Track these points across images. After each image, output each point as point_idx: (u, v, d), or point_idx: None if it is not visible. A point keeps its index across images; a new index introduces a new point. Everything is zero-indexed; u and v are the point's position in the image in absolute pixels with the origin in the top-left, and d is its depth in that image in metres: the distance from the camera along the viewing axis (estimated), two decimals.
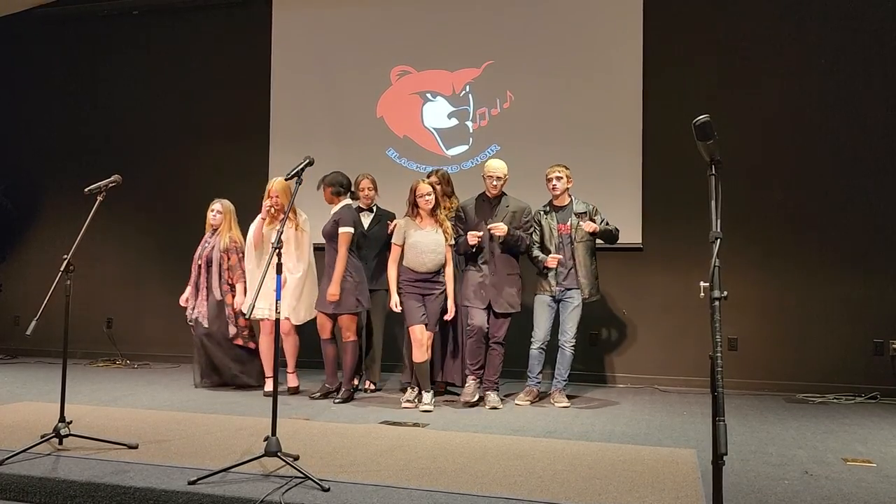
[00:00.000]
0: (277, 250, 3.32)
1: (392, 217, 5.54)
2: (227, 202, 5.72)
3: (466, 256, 5.09)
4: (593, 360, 6.18)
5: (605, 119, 6.23)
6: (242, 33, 7.34)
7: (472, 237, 4.88)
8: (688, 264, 5.90)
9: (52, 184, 7.78)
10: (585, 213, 5.04)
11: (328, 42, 7.00)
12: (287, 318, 5.30)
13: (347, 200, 5.25)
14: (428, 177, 5.32)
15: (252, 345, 5.61)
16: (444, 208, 5.12)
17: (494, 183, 4.94)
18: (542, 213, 5.14)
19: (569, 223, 5.03)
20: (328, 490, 2.89)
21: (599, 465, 3.34)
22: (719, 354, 2.27)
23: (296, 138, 6.99)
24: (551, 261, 4.98)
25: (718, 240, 2.42)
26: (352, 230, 5.03)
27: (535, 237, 5.11)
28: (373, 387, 5.53)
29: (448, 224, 4.96)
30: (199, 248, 5.69)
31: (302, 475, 3.00)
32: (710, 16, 6.13)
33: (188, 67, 7.49)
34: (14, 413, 4.45)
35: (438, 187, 5.04)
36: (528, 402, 5.01)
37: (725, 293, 2.35)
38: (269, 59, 7.17)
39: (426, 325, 4.82)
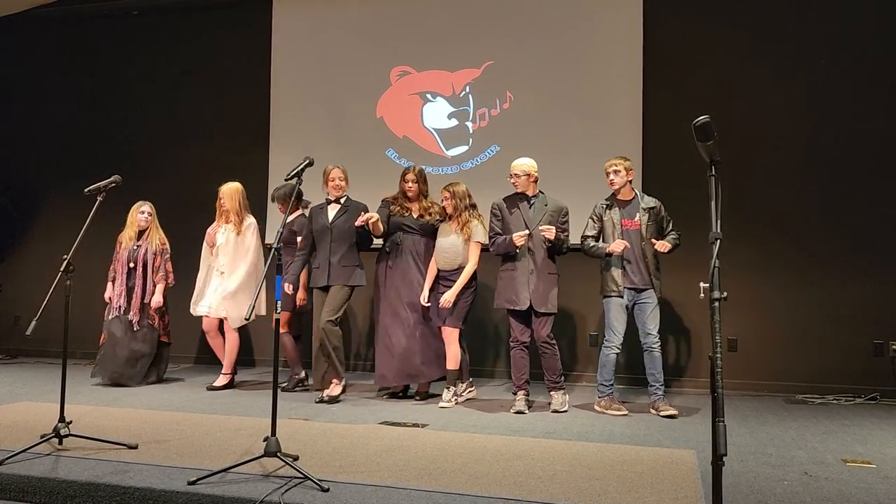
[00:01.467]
0: (277, 251, 3.32)
1: (364, 209, 5.27)
2: (151, 204, 5.95)
3: (503, 256, 4.95)
4: (593, 361, 6.18)
5: (605, 119, 6.23)
6: (242, 33, 7.34)
7: (519, 238, 4.75)
8: (687, 265, 5.89)
9: (52, 184, 7.78)
10: (655, 207, 4.82)
11: (328, 42, 7.00)
12: (224, 318, 5.66)
13: (300, 211, 5.67)
14: (405, 174, 5.30)
15: (166, 339, 5.93)
16: (422, 207, 5.20)
17: (513, 180, 4.90)
18: (603, 206, 4.91)
19: (637, 218, 4.79)
20: (328, 490, 2.89)
21: (599, 466, 3.34)
22: (719, 355, 2.27)
23: (296, 138, 6.99)
24: (616, 245, 4.70)
25: (718, 240, 2.42)
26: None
27: (592, 231, 4.90)
28: (339, 389, 5.08)
29: (472, 225, 5.03)
30: (125, 251, 5.82)
31: (301, 475, 3.00)
32: (710, 16, 6.13)
33: (188, 67, 7.50)
34: (14, 413, 4.45)
35: (443, 193, 5.14)
36: (619, 413, 4.70)
37: (725, 294, 2.35)
38: (269, 58, 7.17)
39: (445, 322, 5.02)
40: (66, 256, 3.62)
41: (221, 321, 5.72)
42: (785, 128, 5.92)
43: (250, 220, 5.78)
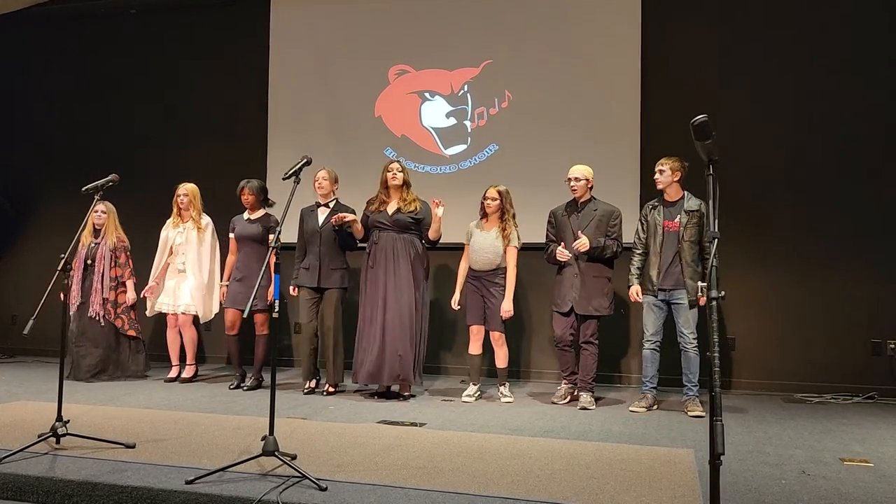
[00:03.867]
0: (275, 250, 3.32)
1: (353, 213, 5.36)
2: (109, 203, 6.07)
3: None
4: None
5: (603, 118, 6.23)
6: (240, 32, 7.33)
7: (562, 255, 4.99)
8: None
9: (50, 182, 7.77)
10: (697, 210, 4.78)
11: (326, 41, 6.99)
12: (190, 314, 5.90)
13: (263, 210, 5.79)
14: (389, 164, 5.28)
15: (133, 333, 6.05)
16: (402, 199, 5.18)
17: (573, 185, 5.01)
18: (650, 207, 4.97)
19: (677, 220, 4.80)
20: (325, 489, 2.89)
21: (597, 465, 3.35)
22: (717, 354, 2.27)
23: (294, 137, 6.98)
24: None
25: (716, 239, 2.42)
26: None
27: (641, 232, 4.97)
28: (332, 389, 5.36)
29: (512, 230, 5.15)
30: (83, 249, 5.97)
31: (299, 474, 3.00)
32: (709, 15, 6.13)
33: (186, 66, 7.48)
34: (11, 412, 4.44)
35: (498, 197, 5.17)
36: (644, 409, 4.81)
37: (723, 293, 2.35)
38: (266, 57, 7.16)
39: (490, 326, 5.15)
40: (63, 256, 3.62)
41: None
42: (783, 127, 5.92)
43: (207, 220, 6.05)
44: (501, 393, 5.20)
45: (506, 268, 5.14)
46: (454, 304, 5.26)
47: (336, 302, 5.34)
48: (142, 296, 6.01)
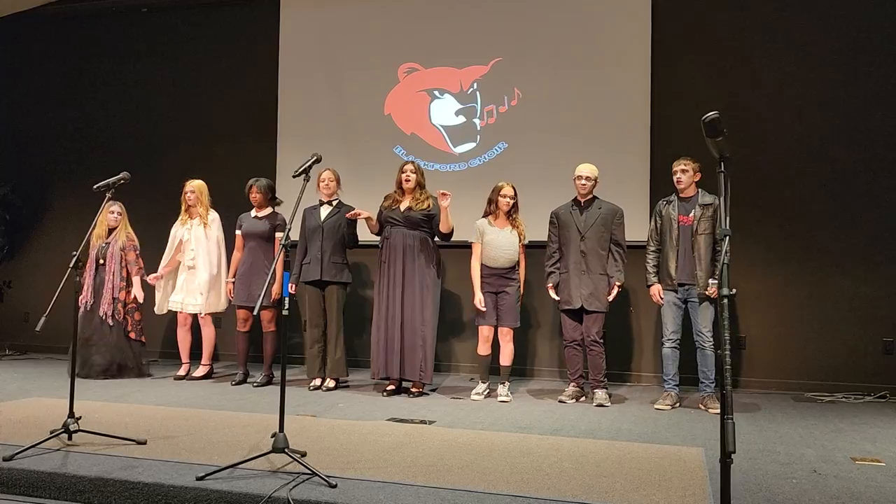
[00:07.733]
0: (284, 248, 3.33)
1: (351, 210, 5.45)
2: (121, 205, 6.13)
3: (559, 258, 5.16)
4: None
5: (613, 116, 6.21)
6: (250, 31, 7.35)
7: (553, 294, 5.12)
8: None
9: (61, 181, 7.82)
10: (712, 204, 4.83)
11: (336, 39, 7.00)
12: (206, 314, 5.92)
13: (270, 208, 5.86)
14: (403, 165, 5.36)
15: (144, 338, 6.12)
16: (414, 199, 5.27)
17: (582, 183, 5.04)
18: (664, 202, 5.02)
19: (691, 214, 4.85)
20: (335, 486, 2.90)
21: (606, 463, 3.34)
22: (727, 352, 2.26)
23: (303, 135, 6.99)
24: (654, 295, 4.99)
25: (727, 237, 2.41)
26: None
27: (655, 231, 5.00)
28: (333, 384, 5.46)
29: (522, 227, 5.23)
30: (94, 249, 6.00)
31: (309, 472, 3.01)
32: (718, 13, 6.10)
33: (195, 65, 7.51)
34: (23, 409, 4.48)
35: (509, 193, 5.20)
36: (669, 407, 4.84)
37: (734, 291, 2.34)
38: (276, 56, 7.17)
39: (503, 322, 5.14)
40: (74, 253, 3.64)
41: (194, 316, 5.99)
42: (795, 125, 5.89)
43: (214, 215, 6.08)
44: (500, 392, 5.14)
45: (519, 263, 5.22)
46: (480, 305, 5.10)
47: (338, 299, 5.45)
48: (149, 280, 6.00)
